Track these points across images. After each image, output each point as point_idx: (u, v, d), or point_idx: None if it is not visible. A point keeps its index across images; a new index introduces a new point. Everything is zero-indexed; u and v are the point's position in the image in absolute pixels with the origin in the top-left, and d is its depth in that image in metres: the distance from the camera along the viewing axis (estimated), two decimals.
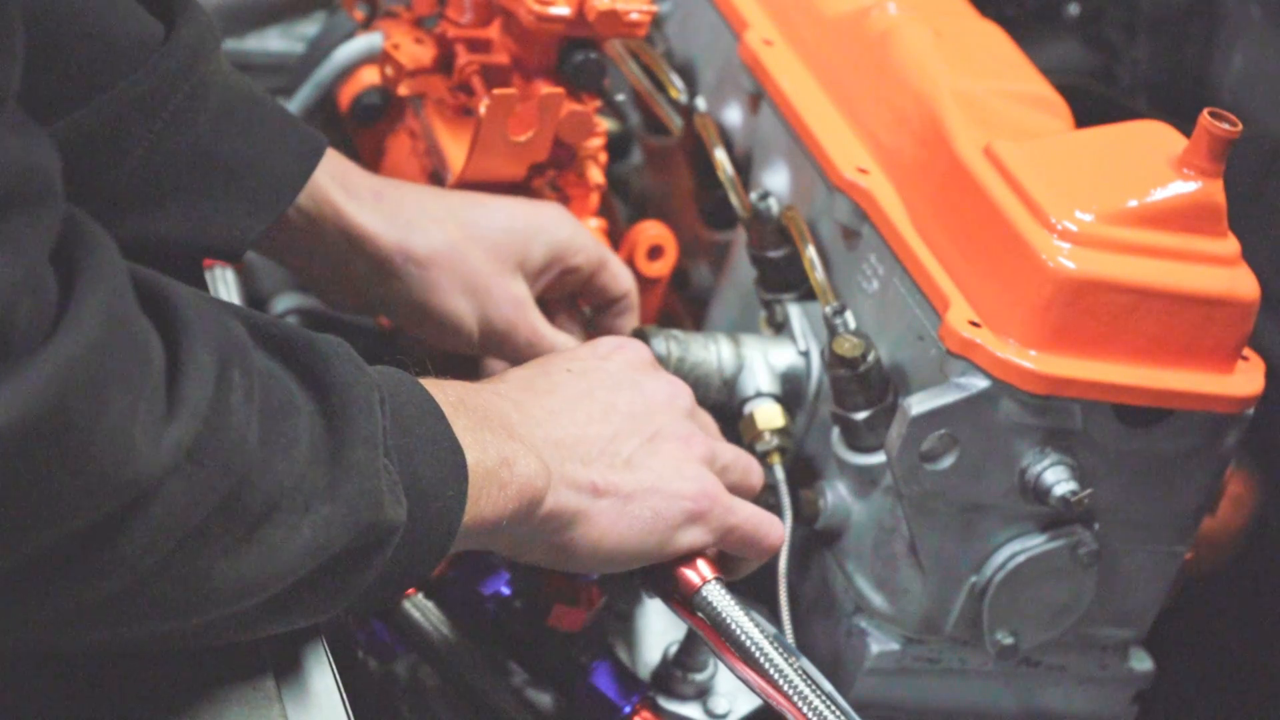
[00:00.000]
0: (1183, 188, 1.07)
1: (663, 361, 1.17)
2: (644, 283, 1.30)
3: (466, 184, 1.21)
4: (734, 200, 1.28)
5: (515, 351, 1.16)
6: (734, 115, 1.36)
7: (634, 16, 1.18)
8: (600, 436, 0.99)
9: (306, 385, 0.82)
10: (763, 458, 1.17)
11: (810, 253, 1.21)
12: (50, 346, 0.66)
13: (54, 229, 0.68)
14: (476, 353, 1.20)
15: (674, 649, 1.14)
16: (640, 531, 0.99)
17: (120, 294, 0.71)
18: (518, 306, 1.16)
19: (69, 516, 0.69)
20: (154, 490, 0.71)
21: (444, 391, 0.92)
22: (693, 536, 1.01)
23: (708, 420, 1.10)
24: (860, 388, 1.13)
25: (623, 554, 0.99)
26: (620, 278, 1.22)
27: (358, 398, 0.83)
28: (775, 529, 1.05)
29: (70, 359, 0.66)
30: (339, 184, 1.11)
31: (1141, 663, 1.22)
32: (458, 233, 1.15)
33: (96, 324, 0.68)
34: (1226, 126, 1.05)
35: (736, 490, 1.05)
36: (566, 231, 1.18)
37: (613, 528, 0.98)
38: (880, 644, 1.16)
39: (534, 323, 1.16)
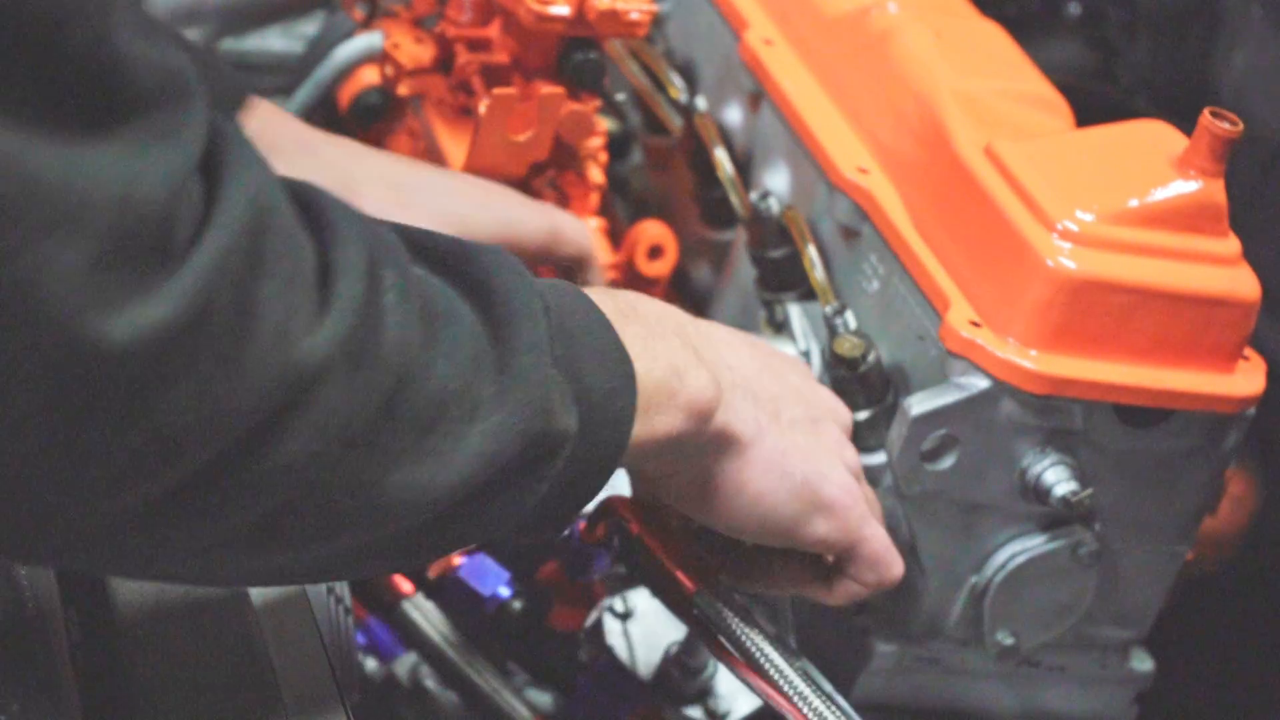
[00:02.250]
0: (1183, 187, 1.07)
1: None
2: (644, 283, 1.30)
3: None
4: (734, 200, 1.28)
5: None
6: (734, 115, 1.36)
7: (634, 16, 1.18)
8: (767, 390, 0.96)
9: (467, 293, 0.80)
10: None
11: (810, 253, 1.21)
12: (203, 239, 0.65)
13: (203, 127, 0.67)
14: None
15: (674, 649, 1.14)
16: (787, 493, 0.95)
17: (267, 187, 0.69)
18: None
19: (234, 416, 0.67)
20: (314, 388, 0.69)
21: (614, 299, 0.89)
22: (826, 529, 0.98)
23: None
24: (860, 388, 1.13)
25: (760, 509, 0.95)
26: (572, 248, 1.19)
27: (521, 305, 0.80)
28: (898, 565, 1.02)
29: (223, 249, 0.65)
30: (263, 142, 1.10)
31: (1142, 663, 1.22)
32: (388, 195, 1.13)
33: (244, 214, 0.67)
34: (1227, 126, 1.05)
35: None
36: (509, 211, 1.16)
37: (763, 476, 0.94)
38: (880, 644, 1.16)
39: None
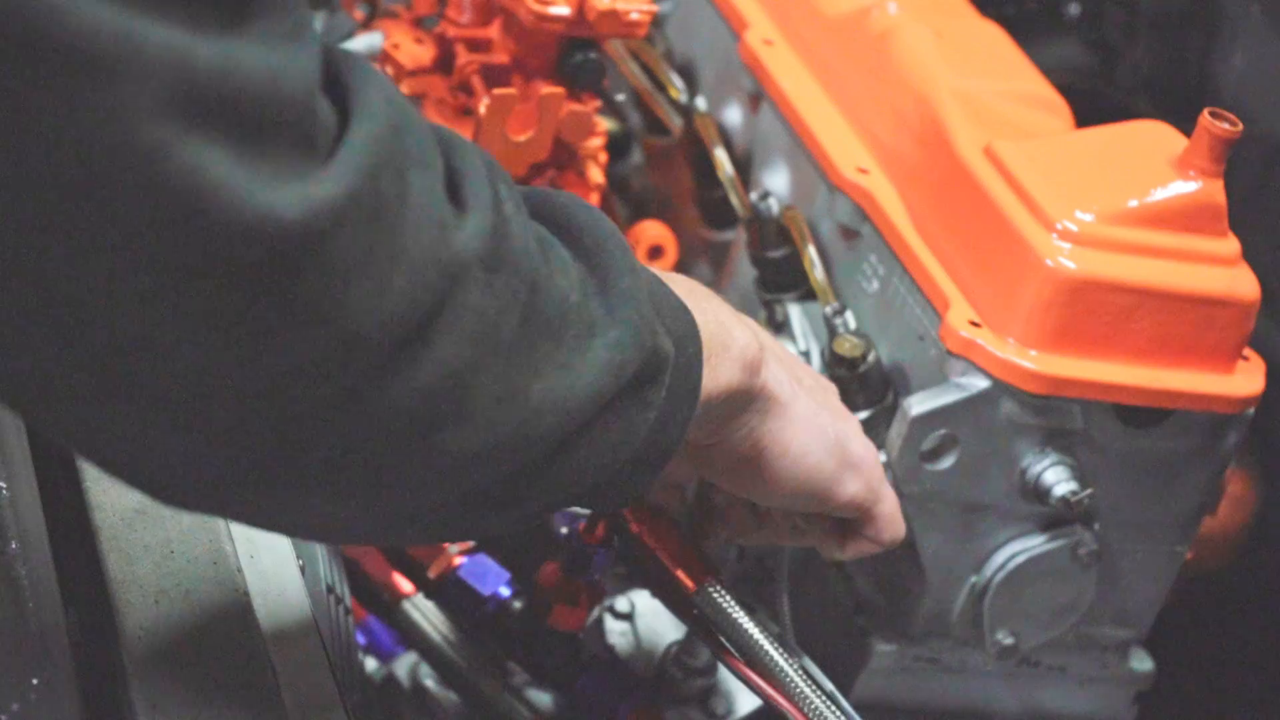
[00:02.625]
0: (1183, 188, 1.07)
1: None
2: None
3: None
4: (734, 200, 1.28)
5: None
6: (734, 115, 1.36)
7: (634, 16, 1.18)
8: (788, 356, 0.99)
9: (555, 228, 0.81)
10: None
11: (810, 253, 1.21)
12: (354, 128, 0.66)
13: (319, 38, 0.68)
14: None
15: (674, 649, 1.14)
16: (825, 451, 0.97)
17: (392, 88, 0.70)
18: None
19: (397, 308, 0.67)
20: (464, 284, 0.70)
21: (650, 267, 0.90)
22: (855, 487, 0.99)
23: None
24: (860, 388, 1.13)
25: (803, 469, 0.96)
26: None
27: (607, 235, 0.82)
28: (902, 526, 1.04)
29: (373, 139, 0.66)
30: None
31: (1142, 663, 1.22)
32: None
33: (386, 110, 0.68)
34: (1227, 126, 1.05)
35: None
36: None
37: (804, 434, 0.96)
38: (880, 644, 1.16)
39: None
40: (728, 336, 0.90)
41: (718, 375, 0.88)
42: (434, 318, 0.69)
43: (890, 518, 1.03)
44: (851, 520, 1.03)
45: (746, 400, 0.92)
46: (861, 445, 1.00)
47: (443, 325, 0.70)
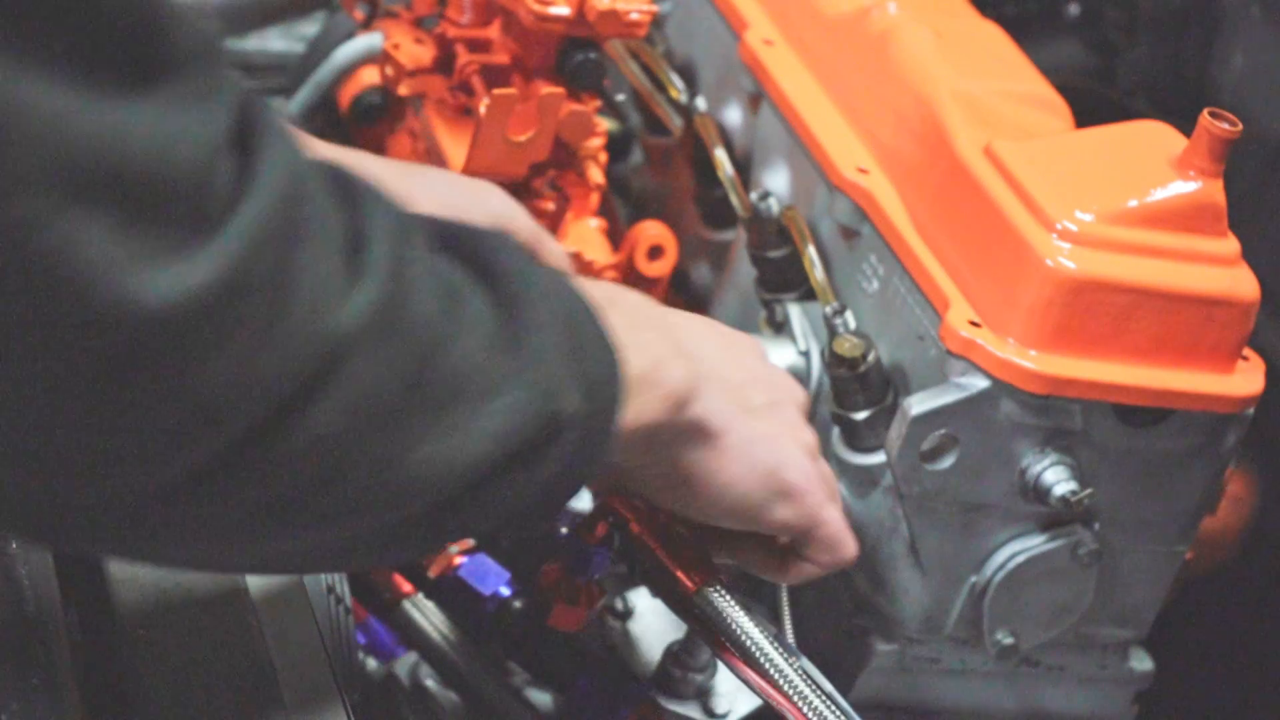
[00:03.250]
0: (1183, 188, 1.07)
1: None
2: (644, 283, 1.30)
3: None
4: (734, 200, 1.28)
5: None
6: (734, 115, 1.36)
7: (634, 16, 1.18)
8: (732, 378, 0.97)
9: (476, 273, 0.79)
10: None
11: (810, 253, 1.21)
12: (242, 205, 0.65)
13: (235, 94, 0.66)
14: None
15: (674, 649, 1.14)
16: (755, 478, 0.97)
17: (299, 155, 0.69)
18: None
19: (265, 387, 0.67)
20: (345, 360, 0.69)
21: (596, 289, 0.89)
22: (788, 513, 0.99)
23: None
24: (860, 388, 1.13)
25: (730, 496, 0.97)
26: (555, 256, 1.21)
27: (529, 285, 0.80)
28: (852, 547, 1.02)
29: (262, 216, 0.65)
30: None
31: (1141, 663, 1.22)
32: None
33: (282, 182, 0.66)
34: (1226, 126, 1.05)
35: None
36: (501, 206, 1.17)
37: (733, 464, 0.95)
38: (880, 644, 1.16)
39: None
40: (659, 373, 0.89)
41: (640, 413, 0.88)
42: (308, 391, 0.68)
43: (830, 540, 1.01)
44: (793, 543, 1.02)
45: (672, 434, 0.92)
46: (800, 472, 0.99)
47: (318, 397, 0.69)
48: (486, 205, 1.15)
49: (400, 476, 0.74)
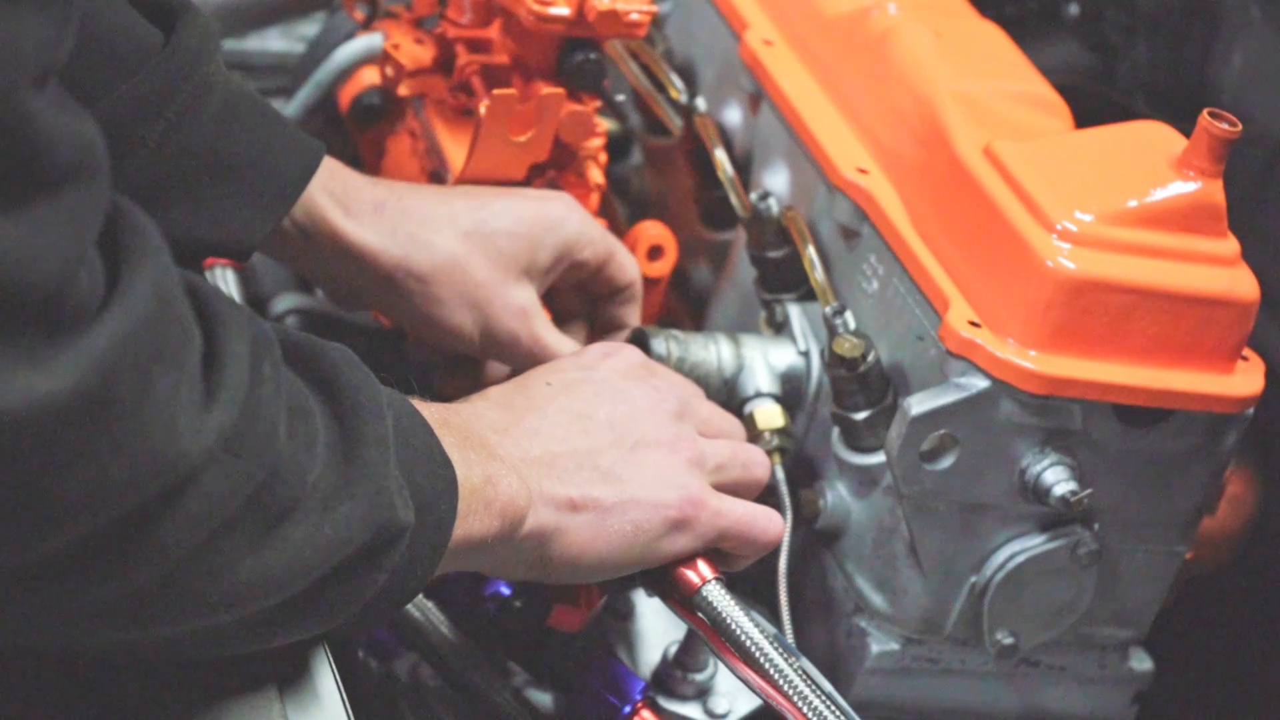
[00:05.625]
0: (1183, 188, 1.07)
1: (662, 362, 1.17)
2: (644, 283, 1.30)
3: (466, 184, 1.21)
4: (734, 200, 1.28)
5: (518, 360, 1.16)
6: (734, 115, 1.36)
7: (634, 16, 1.17)
8: (578, 451, 0.99)
9: (318, 388, 0.83)
10: None
11: (810, 253, 1.21)
12: (103, 320, 0.67)
13: (105, 205, 0.68)
14: (481, 356, 1.19)
15: (674, 649, 1.14)
16: (620, 545, 0.98)
17: (166, 273, 0.71)
18: (521, 317, 1.15)
19: (113, 498, 0.69)
20: (194, 477, 0.72)
21: (428, 410, 0.92)
22: (679, 544, 1.00)
23: (711, 414, 1.09)
24: (860, 388, 1.13)
25: (603, 568, 0.99)
26: (626, 268, 1.21)
27: (367, 400, 0.84)
28: (772, 524, 1.04)
29: (122, 333, 0.67)
30: (337, 200, 1.11)
31: (1141, 663, 1.22)
32: (460, 243, 1.14)
33: (146, 301, 0.69)
34: (1226, 127, 1.05)
35: (737, 488, 1.05)
36: (574, 226, 1.18)
37: (591, 543, 0.97)
38: (880, 644, 1.16)
39: (537, 332, 1.16)
40: (492, 490, 0.91)
41: (470, 528, 0.90)
42: (155, 503, 0.71)
43: (742, 539, 1.02)
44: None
45: (512, 544, 0.94)
46: (678, 503, 0.99)
47: (164, 509, 0.71)
48: (554, 232, 1.16)
49: (230, 583, 0.77)
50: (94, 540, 0.70)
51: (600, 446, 1.00)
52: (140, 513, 0.71)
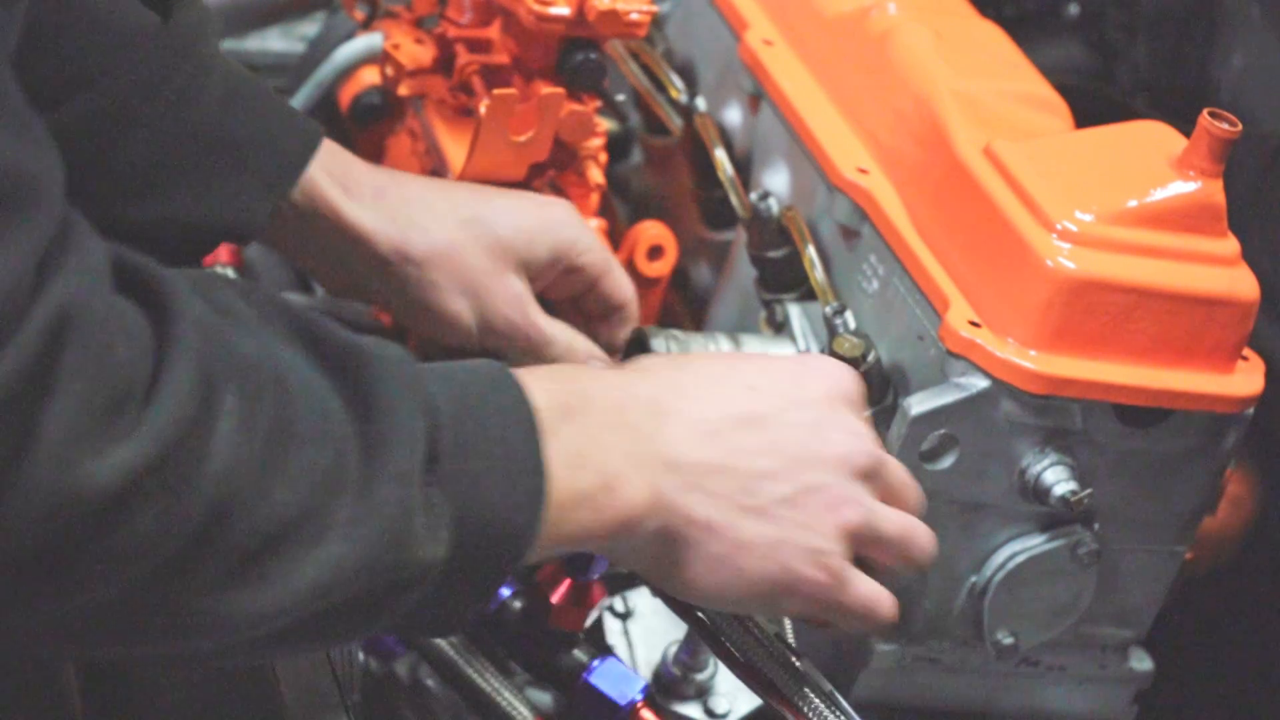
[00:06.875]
0: (1183, 188, 1.07)
1: None
2: (644, 283, 1.30)
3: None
4: (734, 200, 1.28)
5: (516, 349, 1.16)
6: (734, 115, 1.36)
7: (634, 16, 1.17)
8: (744, 472, 0.92)
9: (350, 406, 0.79)
10: None
11: (810, 253, 1.21)
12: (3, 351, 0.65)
13: (43, 235, 0.67)
14: (479, 348, 1.19)
15: (674, 649, 1.14)
16: (744, 587, 0.93)
17: (83, 297, 0.68)
18: (517, 304, 1.14)
19: (18, 536, 0.67)
20: (116, 512, 0.69)
21: (566, 392, 0.87)
22: (798, 607, 0.95)
23: (900, 482, 1.00)
24: None
25: (722, 600, 0.94)
26: (623, 286, 1.20)
27: (400, 425, 0.79)
28: (884, 608, 0.97)
29: (8, 371, 0.65)
30: (338, 182, 1.11)
31: (1141, 663, 1.22)
32: (459, 230, 1.14)
33: (43, 335, 0.66)
34: (1226, 127, 1.05)
35: (890, 562, 0.99)
36: (572, 232, 1.17)
37: (713, 573, 0.92)
38: (880, 644, 1.16)
39: (534, 319, 1.15)
40: (605, 496, 0.87)
41: (569, 530, 0.86)
42: (68, 542, 0.69)
43: (858, 614, 0.96)
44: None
45: (631, 542, 0.90)
46: (807, 570, 0.93)
47: (82, 547, 0.69)
48: (552, 233, 1.16)
49: (194, 618, 0.74)
50: (12, 567, 0.69)
51: (769, 475, 0.93)
52: (56, 546, 0.68)
